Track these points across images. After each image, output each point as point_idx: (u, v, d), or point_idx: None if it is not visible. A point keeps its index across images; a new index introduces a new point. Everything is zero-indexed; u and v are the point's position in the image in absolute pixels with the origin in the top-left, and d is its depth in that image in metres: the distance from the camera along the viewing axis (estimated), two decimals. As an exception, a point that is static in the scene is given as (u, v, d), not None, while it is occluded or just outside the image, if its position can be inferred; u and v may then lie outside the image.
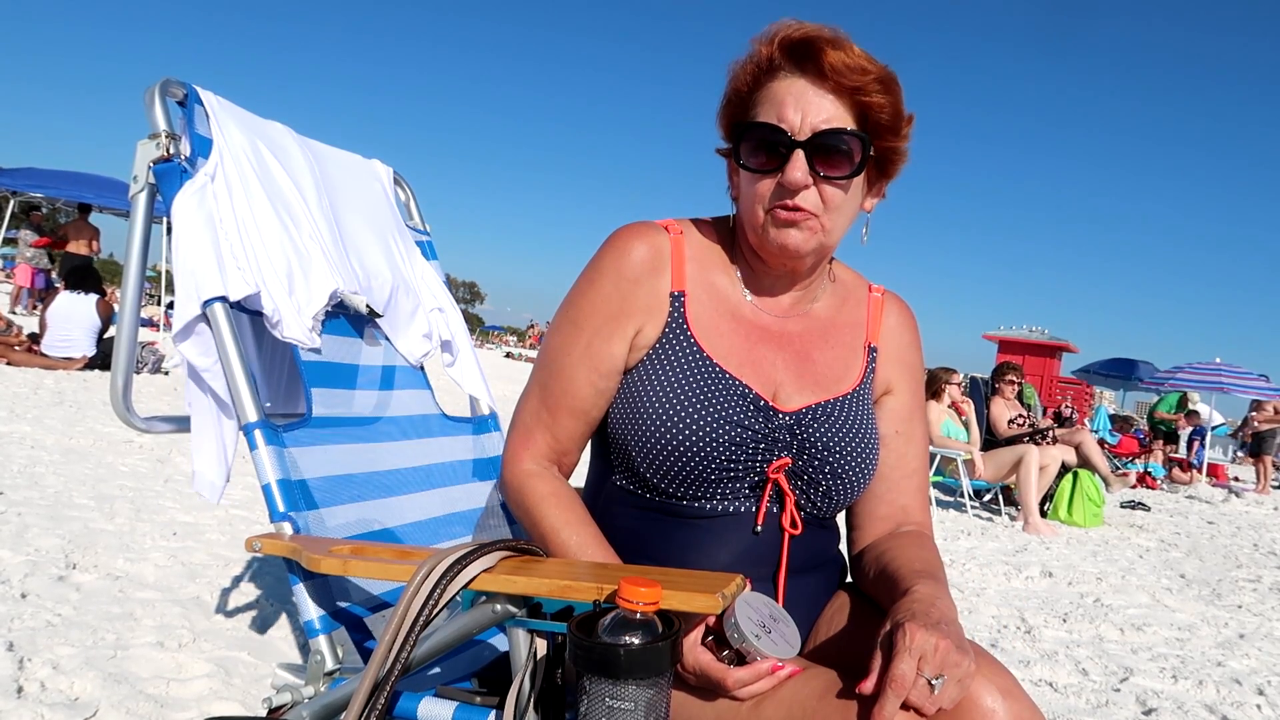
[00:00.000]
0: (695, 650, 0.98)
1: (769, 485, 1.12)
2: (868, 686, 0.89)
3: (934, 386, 6.69)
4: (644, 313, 1.15)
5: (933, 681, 0.87)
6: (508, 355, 25.77)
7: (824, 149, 1.06)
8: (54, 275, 12.95)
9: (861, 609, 1.17)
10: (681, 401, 1.10)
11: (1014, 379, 7.14)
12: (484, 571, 0.97)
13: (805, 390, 1.16)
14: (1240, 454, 15.73)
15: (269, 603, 2.61)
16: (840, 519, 1.27)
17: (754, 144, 1.09)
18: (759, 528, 1.12)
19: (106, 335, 8.23)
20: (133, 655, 2.09)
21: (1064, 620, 3.56)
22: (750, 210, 1.12)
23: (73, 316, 7.96)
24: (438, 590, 0.94)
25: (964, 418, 6.68)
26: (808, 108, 1.06)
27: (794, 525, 1.12)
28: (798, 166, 1.05)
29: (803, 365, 1.18)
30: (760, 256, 1.17)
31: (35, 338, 8.17)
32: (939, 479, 6.65)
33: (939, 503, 6.75)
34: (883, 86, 1.08)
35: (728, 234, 1.23)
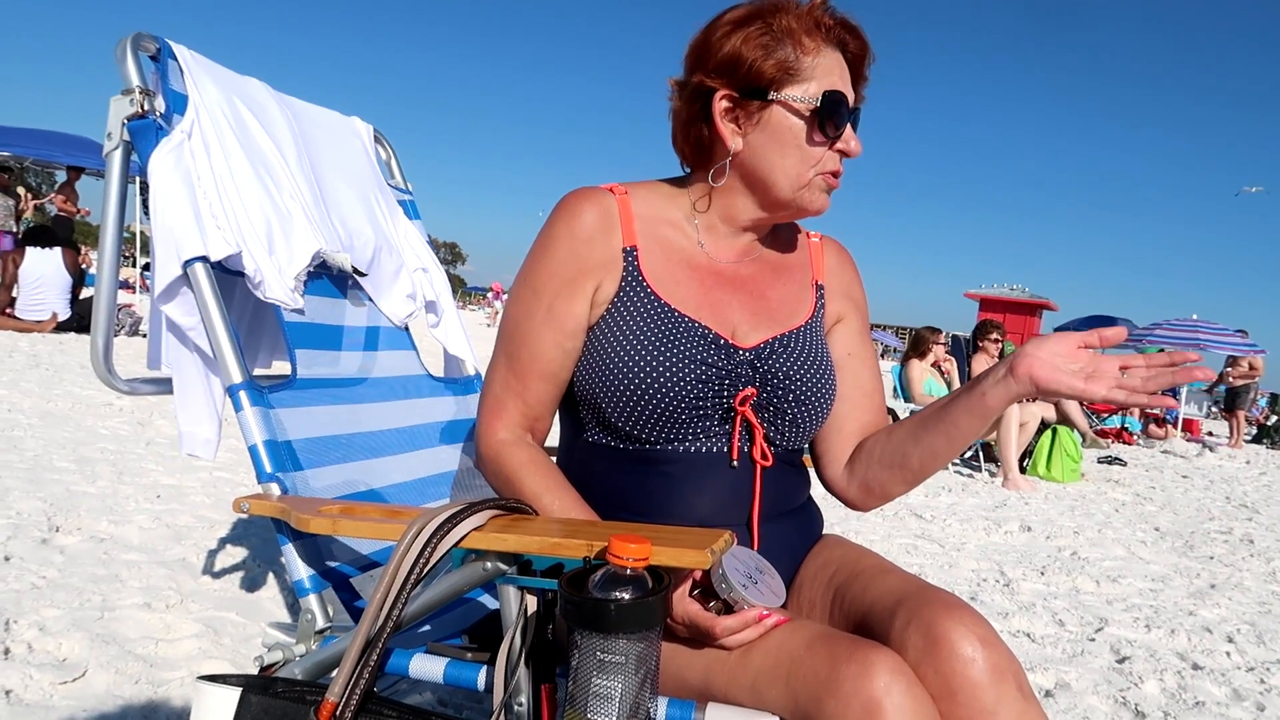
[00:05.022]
0: (684, 601, 0.99)
1: (738, 419, 1.15)
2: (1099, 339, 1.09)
3: (920, 346, 6.74)
4: (600, 269, 1.17)
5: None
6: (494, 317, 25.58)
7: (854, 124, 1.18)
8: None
9: (842, 563, 1.19)
10: (645, 347, 1.13)
11: (997, 337, 7.18)
12: (474, 530, 0.98)
13: (762, 327, 1.20)
14: (1215, 409, 15.99)
15: (255, 563, 2.61)
16: (812, 474, 1.30)
17: (830, 111, 1.14)
18: (734, 463, 1.15)
19: (82, 296, 8.12)
20: (120, 616, 2.10)
21: (1042, 573, 3.63)
22: (798, 170, 1.16)
23: (45, 276, 7.85)
24: (428, 549, 0.94)
25: (947, 376, 6.74)
26: (847, 88, 1.16)
27: (765, 457, 1.16)
28: (855, 138, 1.17)
29: (758, 304, 1.22)
30: (714, 209, 1.21)
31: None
32: (920, 436, 6.71)
33: (920, 459, 6.82)
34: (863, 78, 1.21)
35: (674, 190, 1.25)
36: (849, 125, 1.16)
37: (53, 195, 12.40)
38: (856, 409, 1.29)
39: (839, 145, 1.16)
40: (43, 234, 8.23)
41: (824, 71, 1.14)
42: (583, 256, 1.17)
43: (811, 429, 1.22)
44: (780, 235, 1.31)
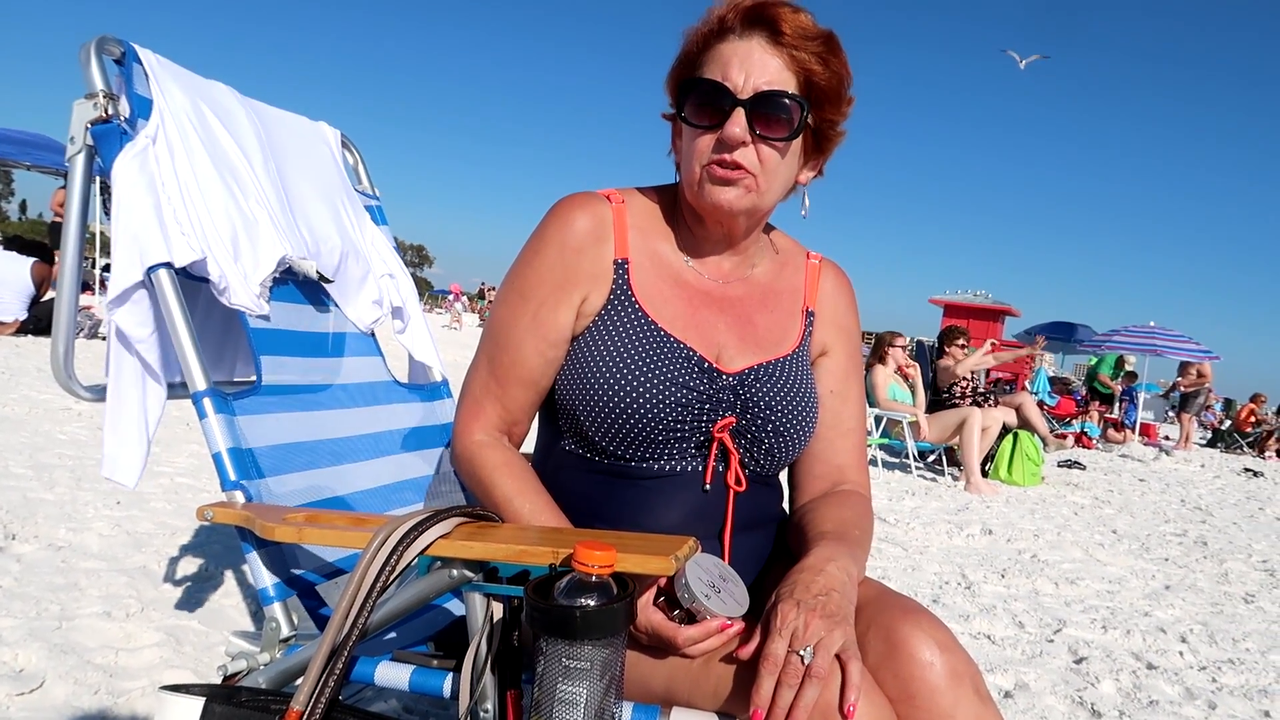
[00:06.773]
0: (647, 610, 1.00)
1: (714, 444, 1.14)
2: (745, 653, 0.94)
3: (879, 350, 6.82)
4: (589, 280, 1.16)
5: (801, 654, 0.90)
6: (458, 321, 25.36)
7: (764, 109, 1.08)
8: None
9: None
10: (628, 365, 1.12)
11: (964, 343, 7.31)
12: (440, 537, 0.98)
13: (747, 352, 1.19)
14: (1171, 414, 16.35)
15: (218, 571, 2.58)
16: (783, 479, 1.30)
17: (697, 101, 1.10)
18: (706, 486, 1.15)
19: (43, 299, 7.97)
20: (79, 626, 2.07)
21: (1002, 576, 3.69)
22: (689, 167, 1.13)
23: (6, 280, 7.69)
24: (394, 556, 0.94)
25: (910, 381, 6.83)
26: (752, 69, 1.08)
27: (739, 483, 1.16)
28: (737, 123, 1.07)
29: (744, 328, 1.21)
30: (700, 220, 1.19)
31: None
32: (885, 441, 6.79)
33: (885, 464, 6.90)
34: (829, 52, 1.10)
35: (669, 202, 1.24)
36: (740, 110, 1.07)
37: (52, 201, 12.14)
38: (830, 449, 1.27)
39: (720, 133, 1.08)
40: (31, 246, 8.12)
41: (714, 60, 1.10)
42: (572, 265, 1.15)
43: (787, 458, 1.21)
44: (775, 256, 1.29)
